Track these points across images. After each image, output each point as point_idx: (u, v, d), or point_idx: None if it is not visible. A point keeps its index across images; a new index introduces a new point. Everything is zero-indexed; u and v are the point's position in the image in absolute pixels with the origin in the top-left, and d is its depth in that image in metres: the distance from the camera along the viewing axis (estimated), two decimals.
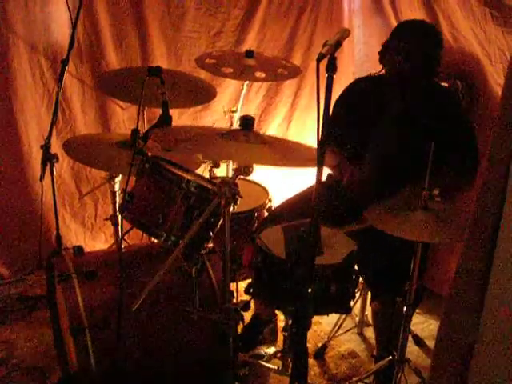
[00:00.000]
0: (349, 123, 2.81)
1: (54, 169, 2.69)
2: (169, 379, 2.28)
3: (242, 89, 3.37)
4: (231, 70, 3.16)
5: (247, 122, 2.00)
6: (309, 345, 3.03)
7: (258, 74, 3.17)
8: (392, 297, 2.55)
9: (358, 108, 2.83)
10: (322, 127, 1.52)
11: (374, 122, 2.74)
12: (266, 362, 2.72)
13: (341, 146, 2.78)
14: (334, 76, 1.51)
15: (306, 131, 4.21)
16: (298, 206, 2.81)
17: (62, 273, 2.23)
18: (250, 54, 3.18)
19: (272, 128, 4.16)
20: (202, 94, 3.12)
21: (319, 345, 3.05)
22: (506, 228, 1.25)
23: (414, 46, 2.59)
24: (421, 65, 2.61)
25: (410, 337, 2.98)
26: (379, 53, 2.72)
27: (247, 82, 3.37)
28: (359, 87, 2.92)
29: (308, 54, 4.04)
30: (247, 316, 2.99)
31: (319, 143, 1.53)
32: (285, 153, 2.05)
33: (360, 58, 3.97)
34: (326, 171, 3.07)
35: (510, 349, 1.34)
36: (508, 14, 2.75)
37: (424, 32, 2.65)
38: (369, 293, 3.03)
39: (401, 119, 2.70)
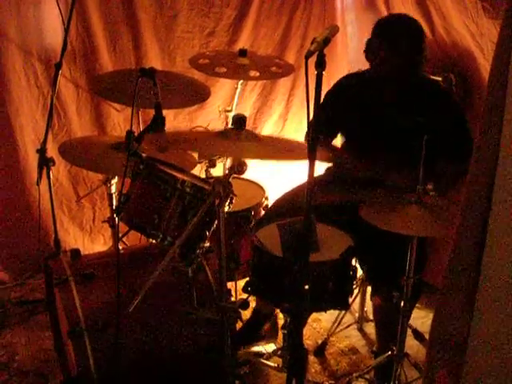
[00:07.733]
0: (339, 118, 2.82)
1: (51, 172, 2.69)
2: (168, 379, 2.28)
3: (237, 88, 3.36)
4: (225, 70, 3.16)
5: (239, 120, 2.01)
6: (309, 342, 3.04)
7: (252, 73, 3.17)
8: (393, 291, 2.55)
9: (348, 103, 2.84)
10: (313, 123, 1.53)
11: (364, 118, 2.75)
12: (266, 359, 2.72)
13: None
14: (324, 72, 1.52)
15: (301, 129, 4.20)
16: (297, 200, 2.80)
17: (60, 276, 2.24)
18: (243, 53, 3.18)
19: (268, 126, 4.16)
20: (197, 95, 3.11)
21: (319, 342, 3.04)
22: (495, 220, 1.25)
23: (394, 46, 2.59)
24: (403, 62, 2.61)
25: (409, 331, 2.99)
26: (364, 51, 2.74)
27: (241, 81, 3.37)
28: (349, 82, 2.93)
29: (301, 52, 4.04)
30: (247, 313, 2.99)
31: (310, 139, 1.54)
32: (278, 147, 2.06)
33: (354, 55, 3.97)
34: (325, 165, 3.08)
35: (503, 340, 1.35)
36: (500, 7, 2.75)
37: (403, 29, 2.65)
38: (368, 288, 3.03)
39: (393, 114, 2.70)
